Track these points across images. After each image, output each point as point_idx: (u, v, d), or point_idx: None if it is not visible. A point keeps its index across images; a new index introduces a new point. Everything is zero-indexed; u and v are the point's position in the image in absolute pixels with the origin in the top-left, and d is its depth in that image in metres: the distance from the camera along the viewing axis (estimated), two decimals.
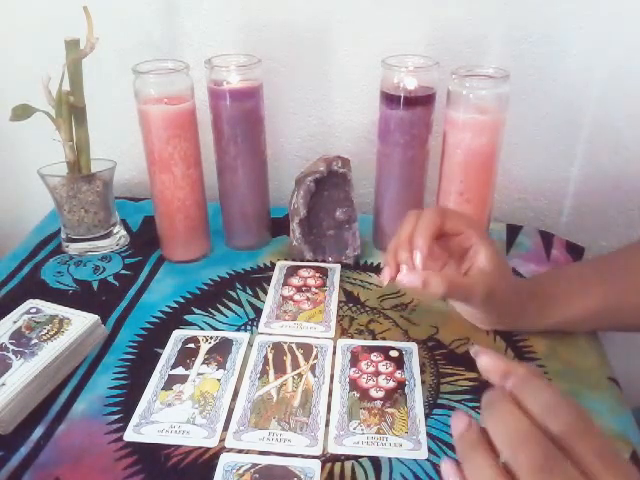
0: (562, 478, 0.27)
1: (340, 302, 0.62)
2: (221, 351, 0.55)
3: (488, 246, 0.50)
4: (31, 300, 0.58)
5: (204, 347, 0.55)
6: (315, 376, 0.52)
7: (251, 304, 0.62)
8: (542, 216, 0.82)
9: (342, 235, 0.68)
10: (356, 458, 0.45)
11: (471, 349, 0.34)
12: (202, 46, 0.76)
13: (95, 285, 0.65)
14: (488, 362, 0.32)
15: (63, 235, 0.71)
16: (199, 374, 0.52)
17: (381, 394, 0.50)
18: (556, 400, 0.29)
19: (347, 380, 0.51)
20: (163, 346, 0.56)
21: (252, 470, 0.43)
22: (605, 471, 0.27)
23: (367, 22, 0.73)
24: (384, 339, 0.57)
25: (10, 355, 0.51)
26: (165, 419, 0.48)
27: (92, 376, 0.53)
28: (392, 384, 0.51)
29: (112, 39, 0.64)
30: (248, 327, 0.58)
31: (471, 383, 0.51)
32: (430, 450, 0.45)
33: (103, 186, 0.68)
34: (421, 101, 0.62)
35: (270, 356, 0.54)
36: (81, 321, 0.55)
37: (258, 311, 0.60)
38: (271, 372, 0.52)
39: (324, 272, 0.66)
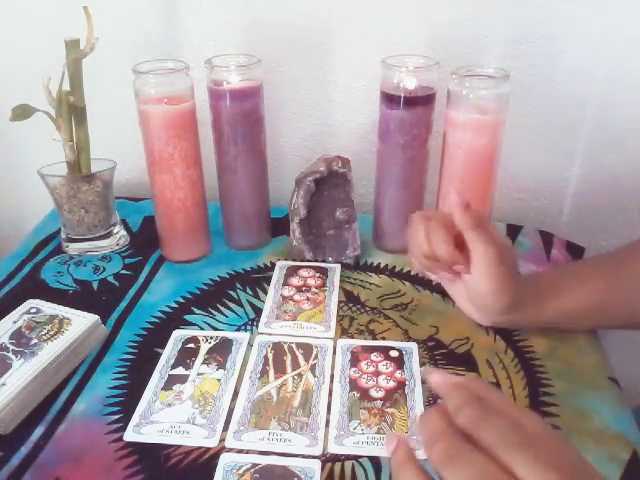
0: (468, 465, 0.29)
1: (340, 302, 0.62)
2: (221, 351, 0.55)
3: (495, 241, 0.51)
4: (31, 300, 0.58)
5: (204, 347, 0.55)
6: (315, 376, 0.52)
7: (251, 304, 0.62)
8: (542, 216, 0.82)
9: (342, 235, 0.68)
10: (356, 458, 0.45)
11: (421, 370, 0.35)
12: (202, 46, 0.76)
13: (95, 285, 0.65)
14: (438, 379, 0.34)
15: (63, 235, 0.71)
16: (199, 374, 0.52)
17: (381, 394, 0.50)
18: (464, 398, 0.31)
19: (347, 380, 0.51)
20: (163, 346, 0.56)
21: (252, 470, 0.43)
22: (507, 451, 0.28)
23: (367, 22, 0.73)
24: (384, 339, 0.57)
25: (10, 355, 0.51)
26: (165, 419, 0.48)
27: (92, 376, 0.53)
28: (392, 384, 0.51)
29: (112, 39, 0.64)
30: (248, 327, 0.58)
31: None
32: None
33: (103, 186, 0.68)
34: (421, 101, 0.62)
35: (270, 356, 0.54)
36: (81, 321, 0.55)
37: (258, 311, 0.60)
38: (271, 372, 0.52)
39: (324, 272, 0.66)
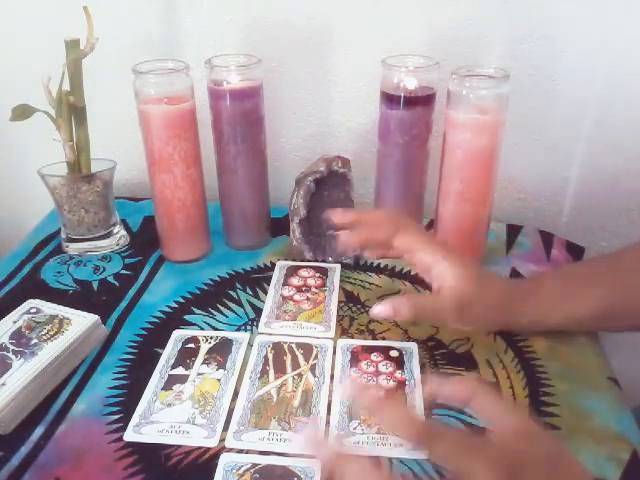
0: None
1: (340, 302, 0.62)
2: (221, 351, 0.55)
3: (448, 262, 0.50)
4: (31, 300, 0.58)
5: (204, 347, 0.55)
6: (315, 376, 0.52)
7: (251, 304, 0.62)
8: (542, 216, 0.82)
9: None
10: None
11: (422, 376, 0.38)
12: (202, 46, 0.76)
13: (95, 285, 0.65)
14: (429, 391, 0.38)
15: (63, 235, 0.71)
16: (199, 374, 0.52)
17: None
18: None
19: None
20: (163, 346, 0.56)
21: (252, 470, 0.43)
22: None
23: (367, 22, 0.73)
24: (384, 339, 0.57)
25: (10, 355, 0.51)
26: (165, 419, 0.48)
27: (92, 376, 0.53)
28: (392, 384, 0.51)
29: (112, 39, 0.64)
30: (248, 327, 0.58)
31: None
32: None
33: (103, 186, 0.68)
34: (421, 101, 0.62)
35: (270, 356, 0.54)
36: (81, 321, 0.55)
37: (258, 311, 0.60)
38: (271, 372, 0.52)
39: (324, 272, 0.66)
